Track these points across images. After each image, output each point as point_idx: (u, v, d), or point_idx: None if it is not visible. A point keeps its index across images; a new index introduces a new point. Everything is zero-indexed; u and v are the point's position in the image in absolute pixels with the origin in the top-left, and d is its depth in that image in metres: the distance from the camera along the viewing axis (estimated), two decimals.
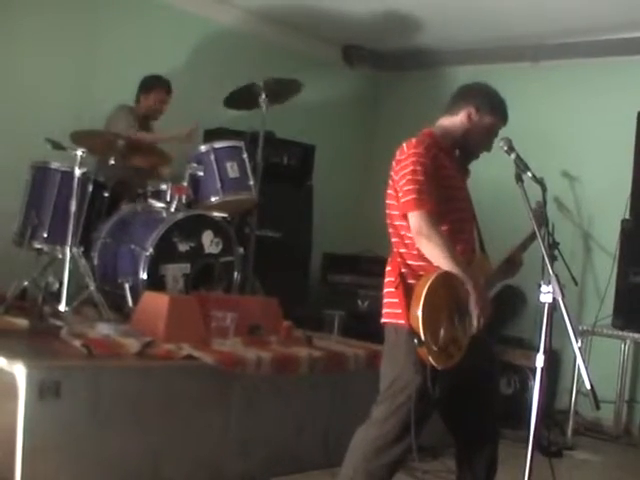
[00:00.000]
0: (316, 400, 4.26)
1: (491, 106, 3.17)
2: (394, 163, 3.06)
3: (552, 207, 5.29)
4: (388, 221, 3.09)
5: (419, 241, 2.93)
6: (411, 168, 2.96)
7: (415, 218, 2.92)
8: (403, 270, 2.99)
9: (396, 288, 2.97)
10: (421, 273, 2.95)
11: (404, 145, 3.05)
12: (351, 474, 3.02)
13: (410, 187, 2.93)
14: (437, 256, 2.91)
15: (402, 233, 3.02)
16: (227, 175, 4.95)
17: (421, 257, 2.97)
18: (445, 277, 2.90)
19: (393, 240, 3.08)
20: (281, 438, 4.09)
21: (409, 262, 3.00)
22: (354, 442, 3.05)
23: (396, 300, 2.96)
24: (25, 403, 3.20)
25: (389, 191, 3.08)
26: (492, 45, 6.46)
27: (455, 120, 3.17)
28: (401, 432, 2.95)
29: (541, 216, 3.07)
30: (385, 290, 3.07)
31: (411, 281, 2.95)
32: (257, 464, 3.97)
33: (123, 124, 5.11)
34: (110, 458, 3.45)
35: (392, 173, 3.07)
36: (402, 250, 3.02)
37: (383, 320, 3.07)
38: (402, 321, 2.90)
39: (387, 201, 3.09)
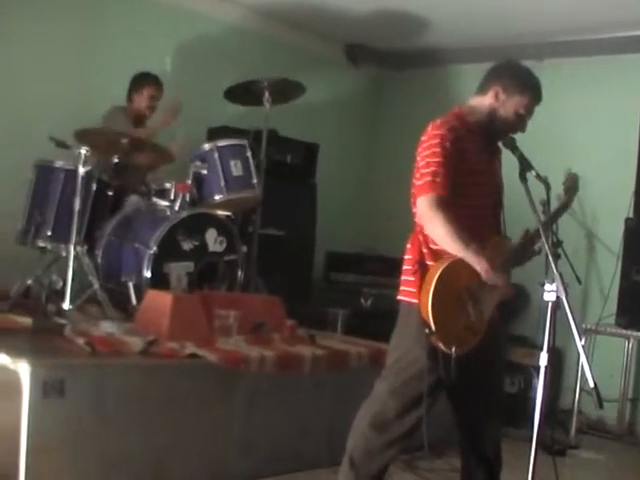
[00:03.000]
0: (319, 398, 4.26)
1: (521, 85, 3.10)
2: (419, 144, 3.04)
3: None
4: (412, 200, 3.06)
5: (424, 224, 2.94)
6: (431, 150, 2.95)
7: (421, 201, 2.92)
8: (424, 250, 2.98)
9: (414, 268, 2.97)
10: (442, 255, 2.93)
11: (430, 126, 3.03)
12: (351, 451, 3.05)
13: (427, 170, 2.93)
14: (442, 239, 2.90)
15: None
16: (231, 173, 4.94)
17: None
18: (459, 263, 2.89)
19: (417, 220, 3.05)
20: (284, 436, 4.09)
21: (431, 245, 2.98)
22: (357, 419, 3.08)
23: (412, 279, 2.97)
24: (29, 401, 3.21)
25: (415, 172, 3.05)
26: (496, 43, 6.44)
27: (483, 100, 3.13)
28: (402, 410, 2.97)
29: (573, 186, 3.05)
30: (404, 267, 3.07)
31: (430, 262, 2.95)
32: (261, 462, 3.97)
33: (119, 126, 5.09)
34: (114, 456, 3.45)
35: (417, 154, 3.05)
36: (426, 232, 2.99)
37: (399, 297, 3.07)
38: (416, 300, 2.92)
39: (413, 181, 3.06)
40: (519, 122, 3.14)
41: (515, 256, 3.15)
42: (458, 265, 2.89)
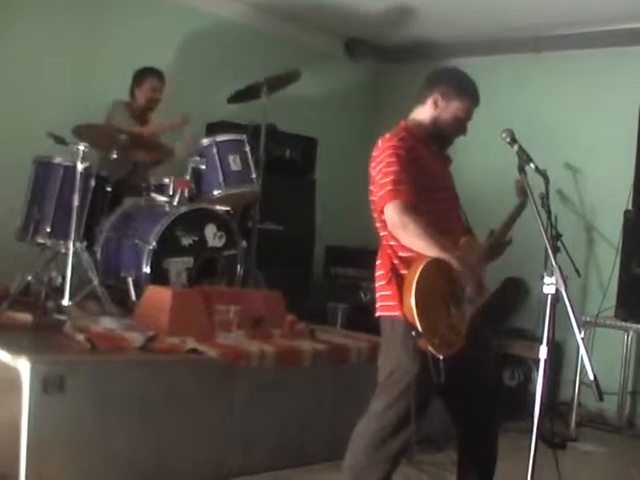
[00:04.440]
0: (319, 393, 4.26)
1: (458, 90, 3.14)
2: (371, 160, 3.08)
3: (555, 199, 5.28)
4: (375, 215, 3.10)
5: (396, 233, 2.94)
6: (386, 161, 2.98)
7: (389, 211, 2.93)
8: (395, 262, 3.00)
9: (388, 281, 2.98)
10: (412, 263, 2.94)
11: (379, 140, 3.07)
12: (352, 467, 3.04)
13: (385, 180, 2.95)
14: (417, 244, 2.91)
15: None
16: (229, 168, 4.94)
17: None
18: (436, 263, 2.90)
19: (382, 234, 3.08)
20: (285, 431, 4.10)
21: (400, 254, 3.00)
22: (354, 435, 3.07)
23: (389, 292, 2.98)
24: (29, 398, 3.22)
25: (370, 188, 3.09)
26: (493, 36, 6.44)
27: (424, 109, 3.18)
28: (400, 423, 2.96)
29: (524, 189, 3.10)
30: (377, 284, 3.08)
31: (403, 272, 2.96)
32: (261, 457, 3.97)
33: (118, 121, 5.10)
34: (114, 452, 3.46)
35: (370, 170, 3.08)
36: (392, 243, 3.02)
37: (378, 313, 3.07)
38: (397, 313, 2.92)
39: (371, 197, 3.10)
40: (460, 125, 3.18)
41: (487, 254, 3.19)
42: (434, 266, 2.90)
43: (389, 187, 2.92)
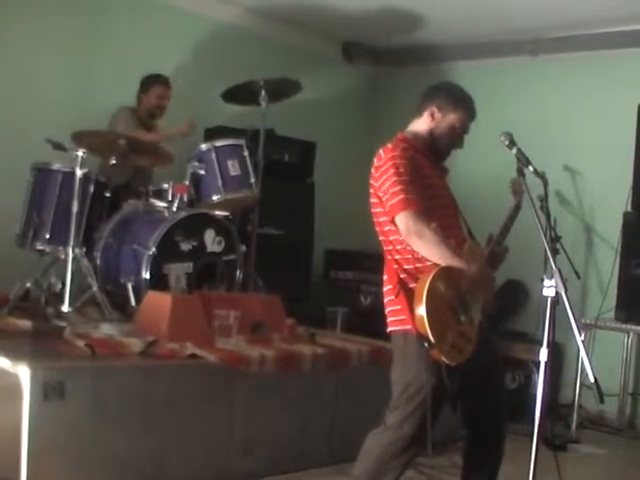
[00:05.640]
0: (320, 397, 4.26)
1: (454, 103, 3.18)
2: (373, 170, 3.09)
3: (554, 201, 5.30)
4: (377, 228, 3.11)
5: (411, 241, 2.95)
6: (393, 170, 2.98)
7: (402, 219, 2.94)
8: (402, 276, 3.01)
9: (396, 294, 2.99)
10: (419, 275, 2.95)
11: (380, 151, 3.08)
12: (363, 475, 3.04)
13: (396, 189, 2.96)
14: (432, 252, 2.93)
15: (392, 239, 3.04)
16: (228, 173, 4.94)
17: (416, 259, 2.99)
18: (443, 273, 2.91)
19: (386, 248, 3.10)
20: (285, 435, 4.10)
21: (406, 267, 3.01)
22: (367, 446, 3.06)
23: (399, 307, 2.98)
24: (29, 404, 3.21)
25: (372, 200, 3.10)
26: (491, 39, 6.45)
27: (421, 122, 3.21)
28: (416, 435, 2.97)
29: (520, 189, 3.10)
30: (386, 299, 3.09)
31: (412, 285, 2.96)
32: (261, 462, 3.97)
33: (123, 126, 5.11)
34: (115, 458, 3.45)
35: (372, 181, 3.09)
36: (397, 257, 3.04)
37: (390, 329, 3.07)
38: (409, 326, 2.92)
39: (373, 210, 3.11)
40: (457, 138, 3.21)
41: (489, 260, 3.19)
42: (442, 276, 2.91)
43: (401, 196, 2.93)
